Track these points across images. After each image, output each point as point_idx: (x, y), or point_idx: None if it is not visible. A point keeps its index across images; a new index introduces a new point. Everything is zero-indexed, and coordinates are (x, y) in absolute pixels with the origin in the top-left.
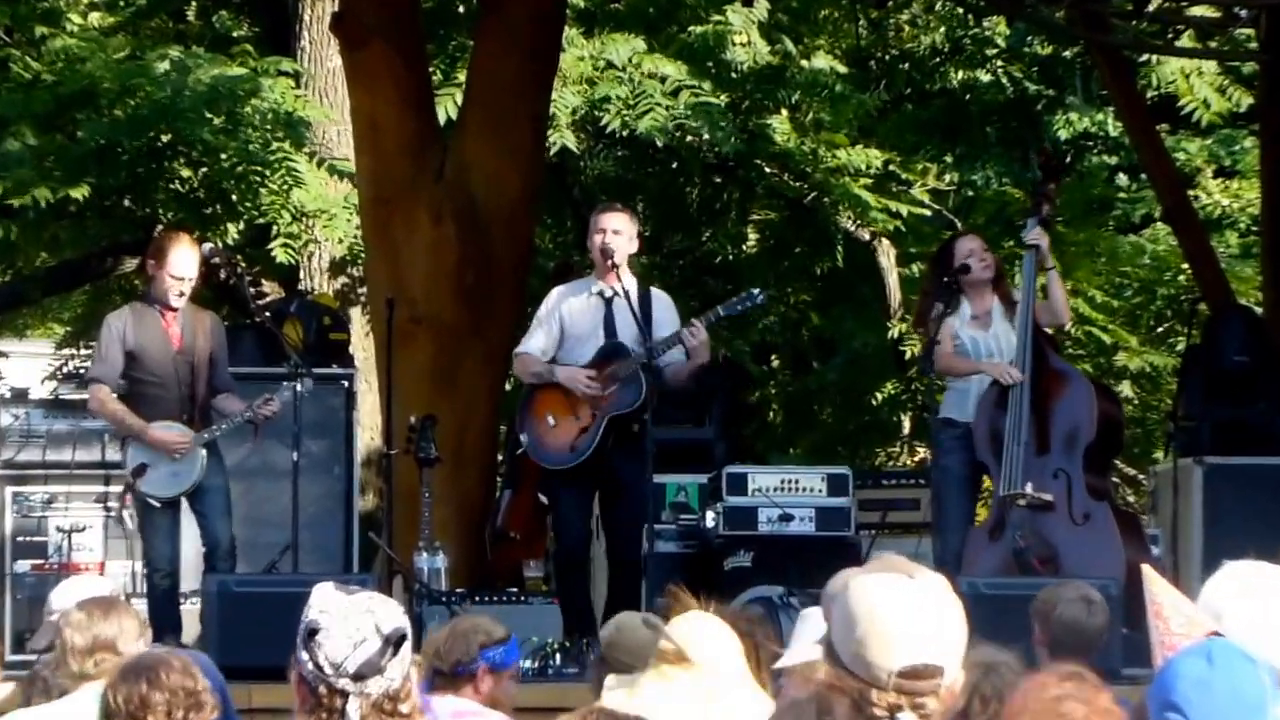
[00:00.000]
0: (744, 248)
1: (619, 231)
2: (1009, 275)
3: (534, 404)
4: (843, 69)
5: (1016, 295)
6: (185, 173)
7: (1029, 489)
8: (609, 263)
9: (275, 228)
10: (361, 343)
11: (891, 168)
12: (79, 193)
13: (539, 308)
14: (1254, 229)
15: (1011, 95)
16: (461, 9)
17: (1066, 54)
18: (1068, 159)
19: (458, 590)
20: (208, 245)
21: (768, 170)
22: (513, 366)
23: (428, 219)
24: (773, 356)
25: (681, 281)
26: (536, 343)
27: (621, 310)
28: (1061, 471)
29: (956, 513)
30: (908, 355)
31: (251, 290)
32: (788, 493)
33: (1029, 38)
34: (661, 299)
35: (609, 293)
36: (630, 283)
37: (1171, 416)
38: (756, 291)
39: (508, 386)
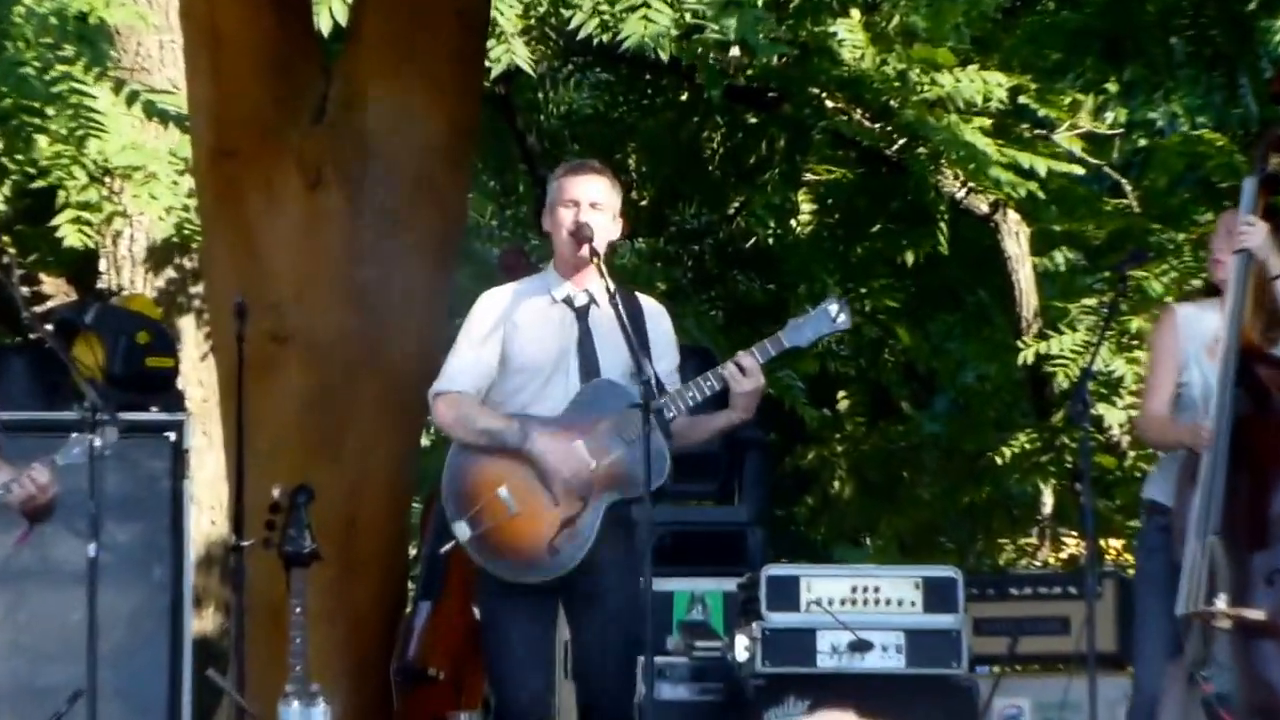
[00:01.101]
0: (793, 225)
1: (597, 204)
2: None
3: (475, 473)
4: None
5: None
6: None
7: (1221, 603)
8: (583, 253)
9: (61, 194)
10: (197, 372)
11: (1023, 100)
12: None
13: (470, 318)
14: None
15: None
16: None
17: None
18: None
19: None
20: None
21: (829, 103)
22: (434, 412)
23: (300, 182)
24: (839, 395)
25: (697, 279)
26: (469, 376)
27: (602, 326)
28: None
29: (1159, 639)
30: (1053, 388)
31: (23, 292)
32: (863, 607)
33: None
34: (654, 312)
35: (581, 299)
36: (606, 283)
37: None
38: (835, 309)
39: (425, 441)
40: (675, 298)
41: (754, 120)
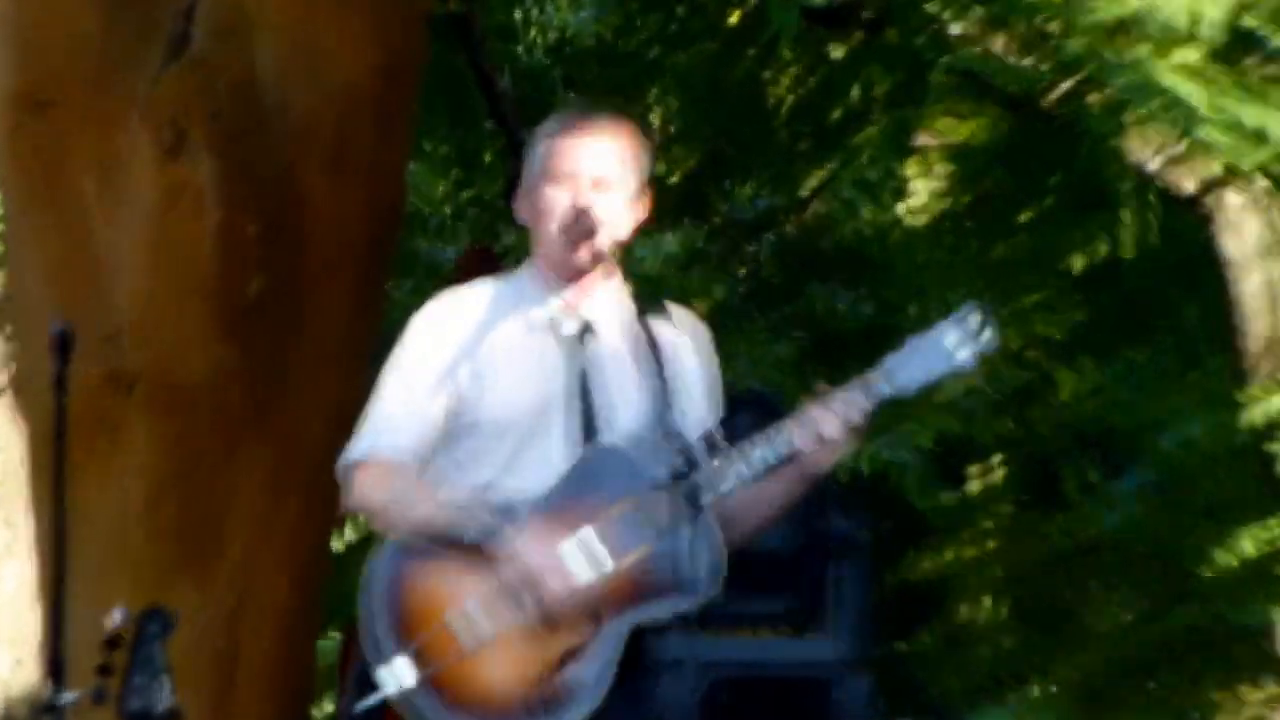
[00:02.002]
0: (901, 211)
1: (604, 181)
2: None
3: (418, 585)
4: None
5: None
6: None
7: None
8: (581, 256)
9: None
10: None
11: (1250, 23)
12: None
13: (405, 343)
14: None
15: None
16: None
17: None
18: None
19: None
20: None
21: (955, 28)
22: (349, 491)
23: (150, 147)
24: (973, 471)
25: (754, 292)
26: (405, 434)
27: (611, 360)
28: None
29: None
30: None
31: None
32: None
33: None
34: (690, 335)
35: (576, 321)
36: (621, 297)
37: None
38: (961, 334)
39: (338, 543)
40: (721, 319)
41: (842, 54)
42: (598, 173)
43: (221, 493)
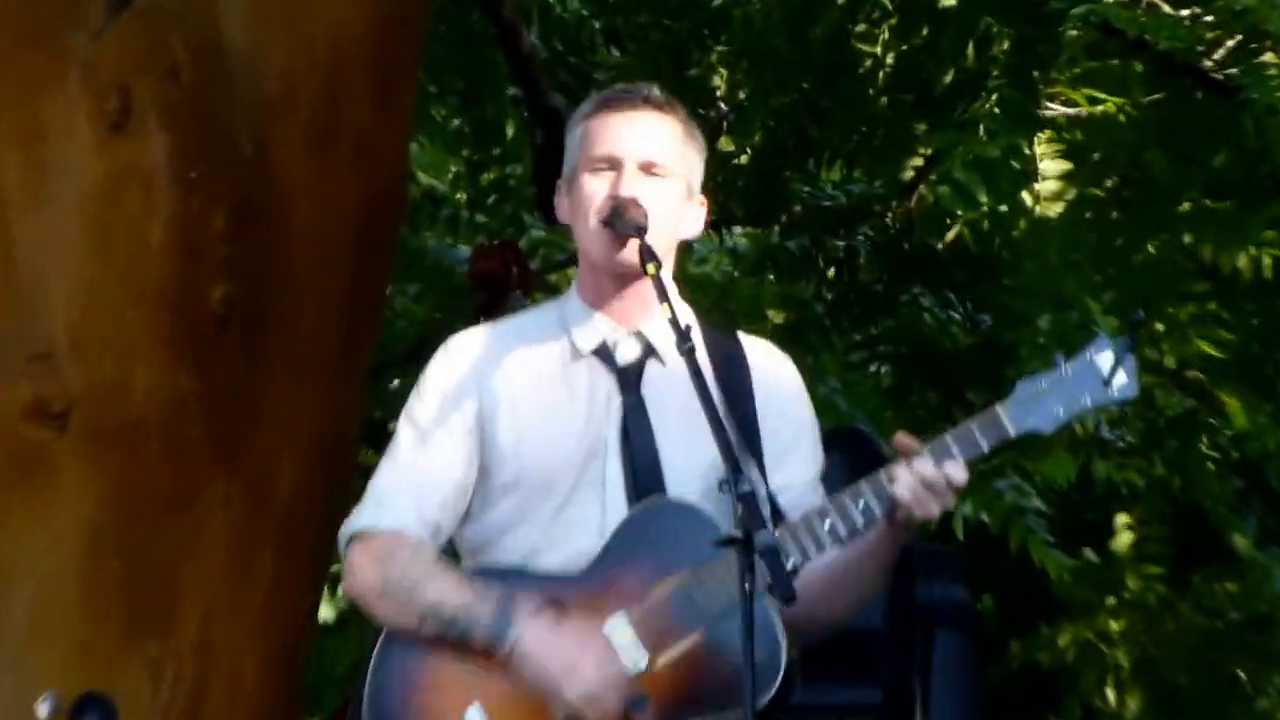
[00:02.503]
0: (1026, 200)
1: (656, 166)
2: None
3: (421, 684)
4: None
5: None
6: None
7: None
8: (627, 256)
9: None
10: None
11: None
12: None
13: (419, 393)
14: None
15: None
16: None
17: None
18: None
19: None
20: None
21: None
22: (347, 567)
23: (90, 119)
24: (1117, 524)
25: (842, 304)
26: (415, 503)
27: (670, 398)
28: None
29: None
30: None
31: None
32: None
33: None
34: (771, 367)
35: (629, 348)
36: (683, 319)
37: None
38: (1108, 358)
39: (329, 610)
40: (803, 334)
41: (952, 2)
42: (646, 155)
43: (177, 547)
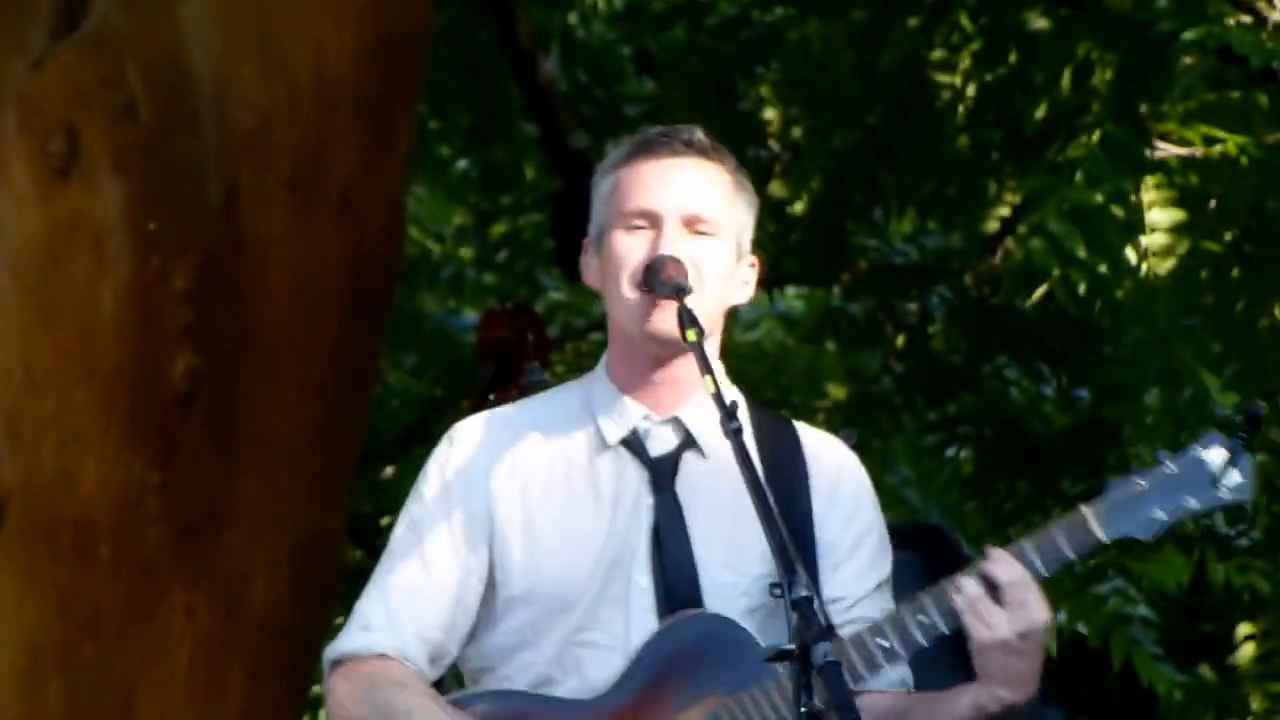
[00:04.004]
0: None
1: (698, 218)
2: None
3: None
4: None
5: None
6: None
7: None
8: (666, 328)
9: None
10: None
11: None
12: None
13: (416, 494)
14: None
15: None
16: None
17: None
18: None
19: None
20: None
21: None
22: (329, 695)
23: (28, 161)
24: (1238, 636)
25: (915, 379)
26: (409, 623)
27: (709, 497)
28: None
29: None
30: None
31: None
32: None
33: None
34: (832, 461)
35: (664, 437)
36: (721, 395)
37: None
38: (1220, 456)
39: None
40: (867, 416)
41: (1044, 24)
42: (690, 209)
43: (132, 667)
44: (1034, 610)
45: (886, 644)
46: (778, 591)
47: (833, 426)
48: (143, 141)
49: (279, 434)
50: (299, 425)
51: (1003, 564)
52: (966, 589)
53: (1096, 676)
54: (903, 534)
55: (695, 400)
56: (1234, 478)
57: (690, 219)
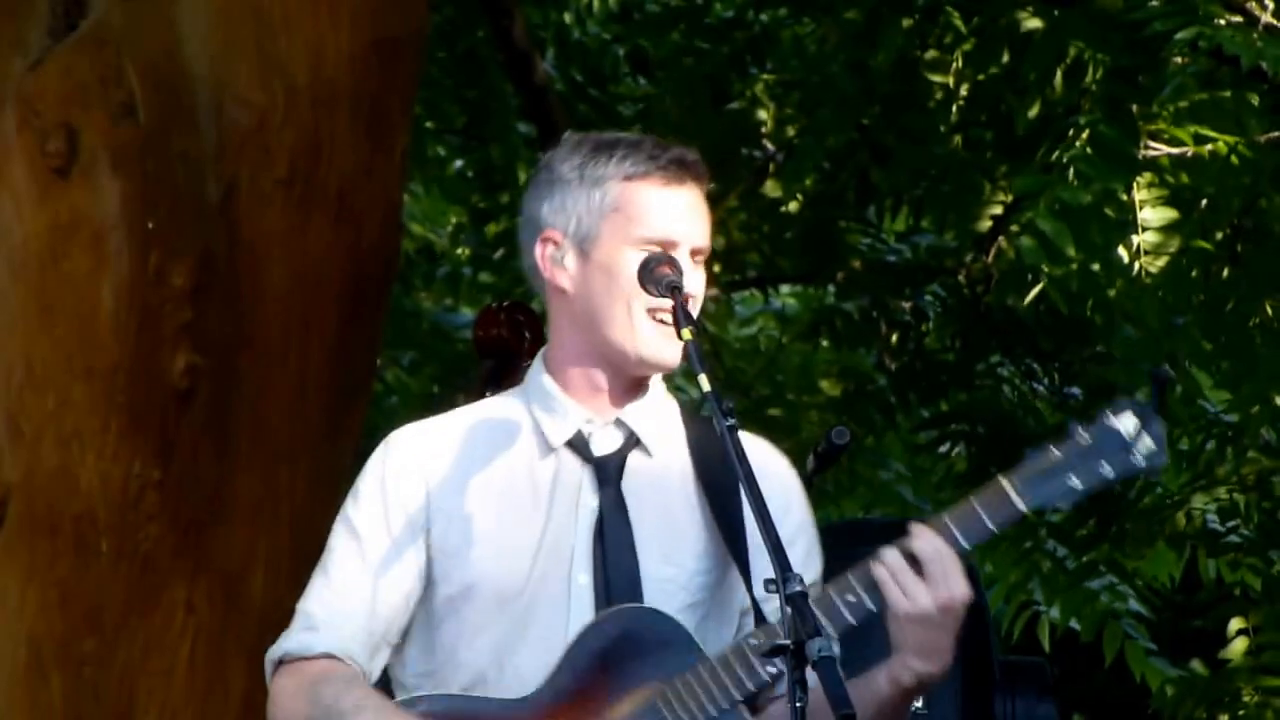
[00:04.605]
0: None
1: (701, 250)
2: None
3: None
4: None
5: None
6: None
7: None
8: (673, 348)
9: None
10: None
11: None
12: None
13: (355, 496)
14: None
15: None
16: None
17: None
18: None
19: None
20: None
21: None
22: (271, 695)
23: (27, 160)
24: (1230, 629)
25: (908, 378)
26: (347, 622)
27: (648, 497)
28: None
29: None
30: None
31: None
32: None
33: None
34: (760, 455)
35: (608, 438)
36: (668, 412)
37: None
38: (1131, 423)
39: None
40: (861, 414)
41: (1036, 24)
42: (698, 241)
43: (132, 662)
44: (954, 584)
45: (801, 628)
46: (772, 588)
47: (826, 423)
48: (141, 141)
49: (277, 430)
50: (297, 421)
51: (924, 538)
52: (889, 561)
53: (1089, 672)
54: (891, 529)
55: (637, 402)
56: (1146, 443)
57: (697, 250)
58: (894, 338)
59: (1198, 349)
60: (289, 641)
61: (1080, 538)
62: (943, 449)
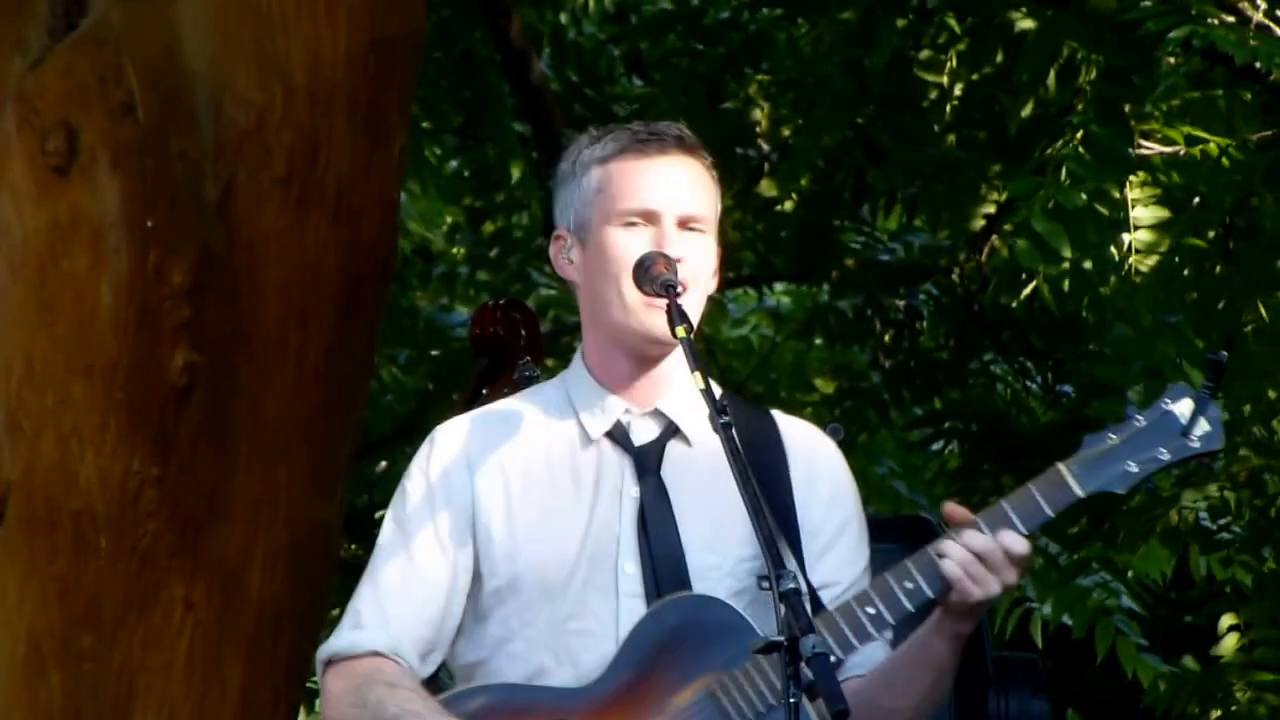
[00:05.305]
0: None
1: (696, 221)
2: None
3: None
4: None
5: None
6: None
7: None
8: (658, 331)
9: None
10: None
11: None
12: None
13: (402, 495)
14: None
15: None
16: None
17: None
18: None
19: None
20: None
21: None
22: (323, 694)
23: (27, 159)
24: (1224, 623)
25: (902, 376)
26: (397, 620)
27: (696, 481)
28: None
29: None
30: None
31: None
32: None
33: None
34: (811, 450)
35: (646, 428)
36: (708, 393)
37: None
38: (1186, 408)
39: None
40: (855, 411)
41: (1030, 24)
42: (685, 208)
43: (131, 659)
44: (1012, 571)
45: (875, 614)
46: (765, 584)
47: (820, 421)
48: (141, 139)
49: (276, 428)
50: (295, 419)
51: (974, 536)
52: (951, 552)
53: (1081, 668)
54: (888, 526)
55: (675, 391)
56: (1202, 426)
57: (685, 218)
58: (888, 336)
59: (1189, 347)
60: (338, 641)
61: (1072, 535)
62: (936, 446)
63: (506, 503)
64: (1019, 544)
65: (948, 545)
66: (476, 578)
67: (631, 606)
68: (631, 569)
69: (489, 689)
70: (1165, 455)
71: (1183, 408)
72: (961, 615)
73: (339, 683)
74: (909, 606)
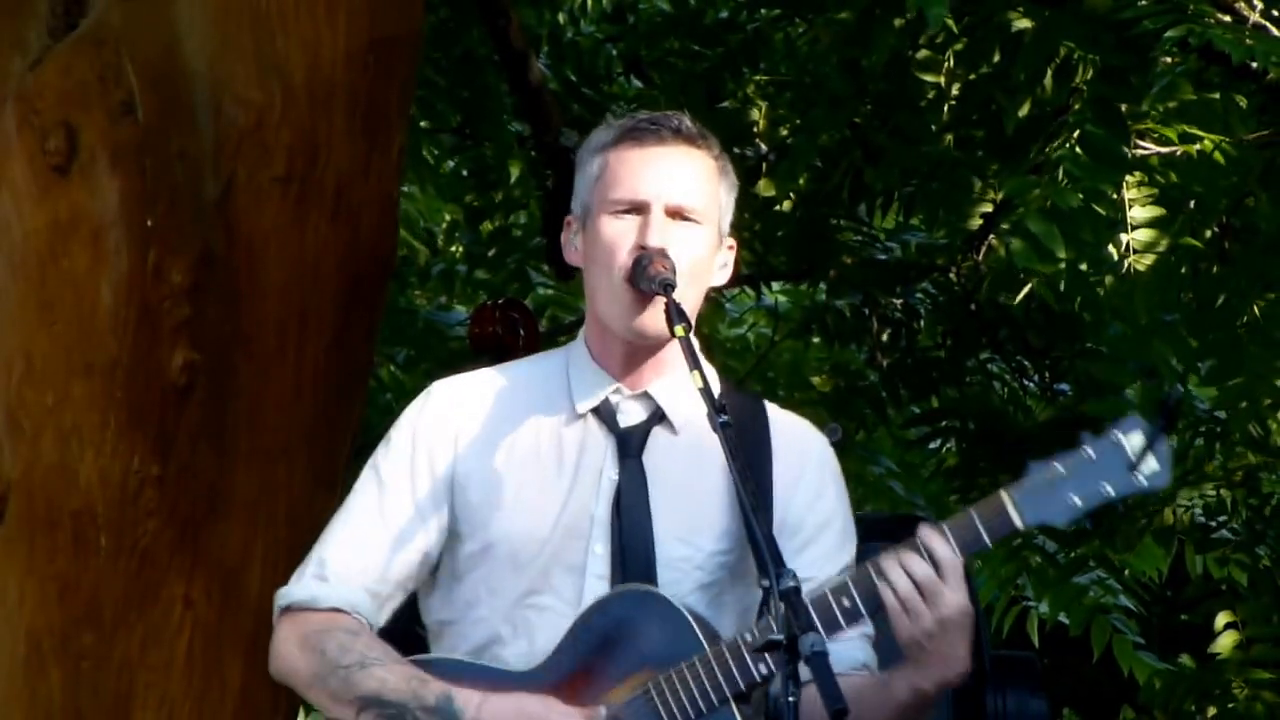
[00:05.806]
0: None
1: (682, 208)
2: None
3: None
4: None
5: None
6: None
7: None
8: (653, 319)
9: None
10: None
11: None
12: None
13: (387, 446)
14: None
15: None
16: None
17: None
18: None
19: None
20: None
21: None
22: (274, 644)
23: (26, 159)
24: (1218, 624)
25: (900, 374)
26: (358, 572)
27: (680, 467)
28: None
29: None
30: None
31: None
32: None
33: None
34: (800, 444)
35: (633, 410)
36: (704, 383)
37: None
38: (1136, 438)
39: None
40: (852, 410)
41: (1025, 24)
42: (675, 199)
43: (131, 657)
44: (948, 601)
45: (849, 604)
46: (765, 583)
47: (818, 420)
48: (140, 139)
49: (275, 426)
50: (295, 418)
51: (936, 538)
52: (891, 570)
53: (1078, 666)
54: (884, 524)
55: (668, 377)
56: (1151, 464)
57: (675, 209)
58: (885, 335)
59: (1185, 346)
60: (299, 589)
61: (1069, 533)
62: (933, 445)
63: (488, 469)
64: (956, 564)
65: (895, 560)
66: (456, 537)
67: (595, 587)
68: (601, 550)
69: (438, 663)
70: (1110, 490)
71: (1134, 440)
72: (928, 664)
73: (291, 633)
74: (845, 620)
